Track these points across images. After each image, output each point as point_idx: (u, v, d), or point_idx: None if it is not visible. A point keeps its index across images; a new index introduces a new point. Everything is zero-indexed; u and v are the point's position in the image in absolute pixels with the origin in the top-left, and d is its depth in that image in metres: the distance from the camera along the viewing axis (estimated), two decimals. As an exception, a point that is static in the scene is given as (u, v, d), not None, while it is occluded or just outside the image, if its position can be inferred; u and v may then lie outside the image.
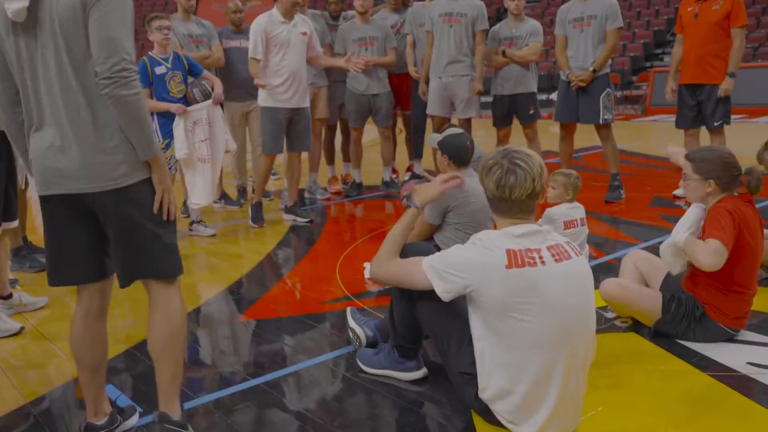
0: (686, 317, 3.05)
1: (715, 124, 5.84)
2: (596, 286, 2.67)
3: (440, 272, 2.37)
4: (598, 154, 7.73)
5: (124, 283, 2.36)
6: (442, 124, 6.35)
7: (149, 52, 5.28)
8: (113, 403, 2.62)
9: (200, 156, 5.29)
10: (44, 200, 2.32)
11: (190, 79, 5.37)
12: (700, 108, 5.88)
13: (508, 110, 6.53)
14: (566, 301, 2.30)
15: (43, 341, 3.58)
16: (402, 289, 2.71)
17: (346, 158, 7.22)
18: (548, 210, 4.28)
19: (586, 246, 4.34)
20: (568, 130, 6.34)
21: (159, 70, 5.21)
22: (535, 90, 6.52)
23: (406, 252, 2.73)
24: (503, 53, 6.31)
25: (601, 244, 4.82)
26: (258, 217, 5.81)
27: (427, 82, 6.51)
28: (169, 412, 2.40)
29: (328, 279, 4.39)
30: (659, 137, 6.35)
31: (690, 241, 2.97)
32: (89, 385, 2.49)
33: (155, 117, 5.21)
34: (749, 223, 2.97)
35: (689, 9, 5.80)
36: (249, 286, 4.42)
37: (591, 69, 5.88)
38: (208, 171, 5.32)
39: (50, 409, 2.89)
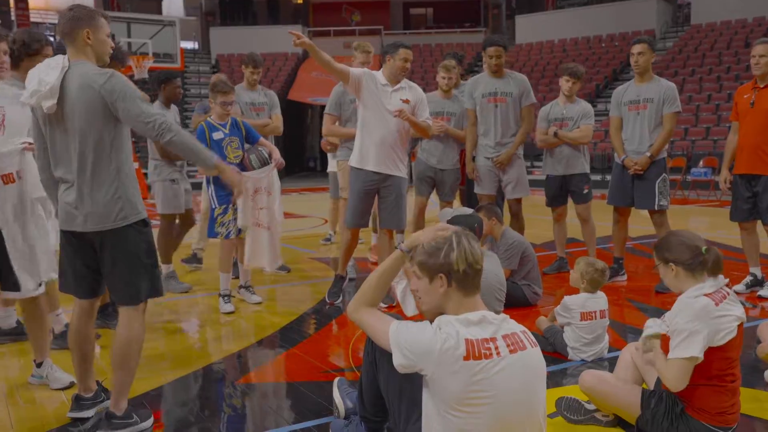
0: (667, 414, 2.86)
1: (772, 218, 5.52)
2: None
3: (401, 347, 2.33)
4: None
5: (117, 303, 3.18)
6: (489, 199, 6.32)
7: (208, 118, 5.44)
8: (99, 384, 3.35)
9: (260, 222, 5.36)
10: (63, 234, 3.13)
11: (246, 146, 5.49)
12: (756, 200, 5.59)
13: (561, 190, 6.48)
14: (517, 392, 2.27)
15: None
16: (370, 359, 2.72)
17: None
18: (566, 298, 4.16)
19: (606, 336, 4.17)
20: (622, 214, 6.18)
21: (216, 135, 5.33)
22: (588, 170, 6.45)
23: None
24: (555, 134, 6.30)
25: (631, 337, 4.60)
26: (333, 292, 5.61)
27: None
28: (115, 411, 3.10)
29: (341, 348, 4.43)
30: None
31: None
32: (80, 367, 3.26)
33: (211, 184, 5.33)
34: None
35: (745, 96, 5.60)
36: (263, 349, 4.52)
37: (648, 155, 5.76)
38: (267, 238, 5.38)
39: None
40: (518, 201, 6.34)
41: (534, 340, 2.39)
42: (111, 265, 3.06)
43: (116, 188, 3.01)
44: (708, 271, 2.86)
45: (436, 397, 2.28)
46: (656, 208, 5.83)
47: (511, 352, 2.27)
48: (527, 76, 6.31)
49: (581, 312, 4.05)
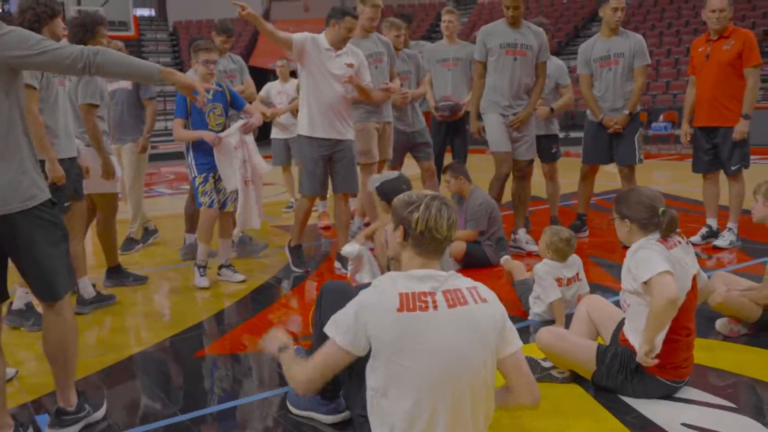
0: (622, 369, 2.90)
1: (733, 168, 5.59)
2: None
3: (339, 324, 2.33)
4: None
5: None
6: (507, 159, 5.76)
7: None
8: (14, 416, 2.81)
9: (246, 179, 5.17)
10: None
11: (231, 112, 5.26)
12: (716, 151, 5.65)
13: None
14: (452, 347, 2.23)
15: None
16: (318, 331, 2.70)
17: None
18: (537, 267, 4.09)
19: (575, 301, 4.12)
20: (592, 170, 6.22)
21: None
22: (558, 132, 6.46)
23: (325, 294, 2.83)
24: (551, 110, 6.20)
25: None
26: (299, 262, 5.53)
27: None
28: (66, 406, 2.82)
29: (300, 317, 4.40)
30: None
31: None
32: None
33: (191, 151, 5.14)
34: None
35: (700, 50, 5.62)
36: (223, 319, 4.47)
37: (626, 112, 5.77)
38: (252, 192, 5.22)
39: None
40: (530, 163, 5.93)
41: (482, 296, 2.31)
42: (26, 254, 2.63)
43: (20, 162, 2.58)
44: (661, 231, 2.90)
45: (374, 354, 2.28)
46: (637, 162, 5.90)
47: (449, 306, 2.25)
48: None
49: (555, 278, 4.01)
